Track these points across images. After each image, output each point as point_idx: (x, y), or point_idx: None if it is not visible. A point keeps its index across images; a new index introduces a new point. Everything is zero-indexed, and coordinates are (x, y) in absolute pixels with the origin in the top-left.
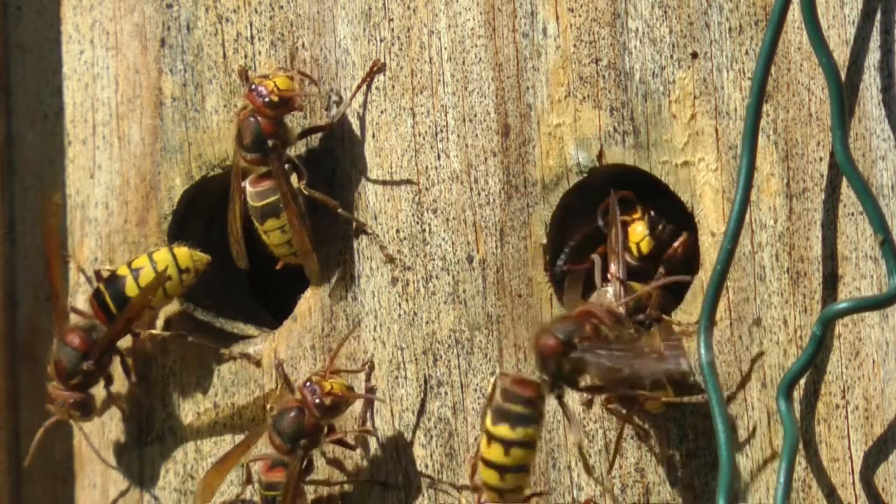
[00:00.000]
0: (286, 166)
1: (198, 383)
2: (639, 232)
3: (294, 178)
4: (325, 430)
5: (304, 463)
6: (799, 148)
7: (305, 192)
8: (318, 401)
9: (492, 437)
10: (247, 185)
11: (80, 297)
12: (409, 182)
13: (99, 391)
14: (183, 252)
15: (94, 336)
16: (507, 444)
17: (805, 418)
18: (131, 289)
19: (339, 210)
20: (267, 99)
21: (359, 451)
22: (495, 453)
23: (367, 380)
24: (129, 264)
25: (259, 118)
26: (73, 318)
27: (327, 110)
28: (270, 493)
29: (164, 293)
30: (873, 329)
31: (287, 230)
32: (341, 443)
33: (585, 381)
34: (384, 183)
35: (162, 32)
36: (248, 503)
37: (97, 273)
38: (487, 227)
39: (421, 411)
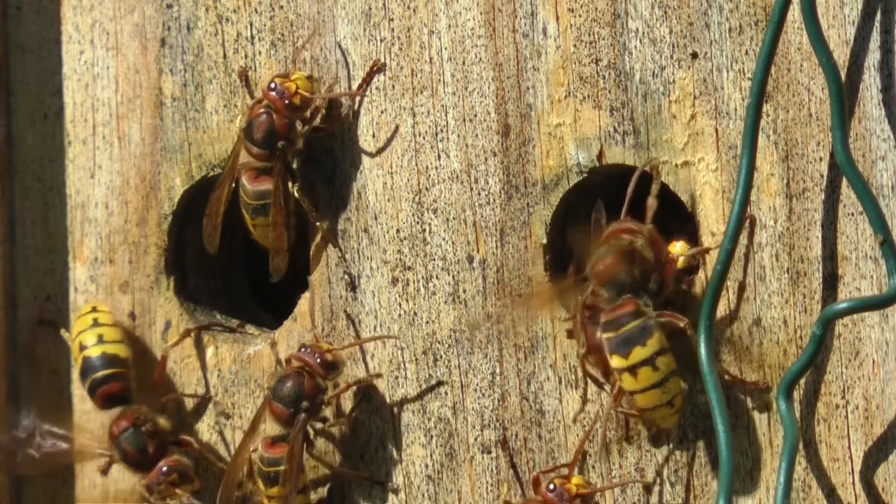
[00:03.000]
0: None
1: (198, 383)
2: (679, 248)
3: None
4: (325, 394)
5: (305, 437)
6: (799, 148)
7: (297, 194)
8: (318, 359)
9: (632, 368)
10: (243, 178)
11: (79, 299)
12: (408, 182)
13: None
14: (79, 313)
15: (129, 412)
16: (650, 362)
17: (805, 418)
18: (95, 351)
19: (319, 224)
20: (287, 101)
21: (358, 450)
22: (645, 376)
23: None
24: (74, 361)
25: (275, 117)
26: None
27: (328, 110)
28: (272, 469)
29: (111, 329)
30: (873, 329)
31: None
32: (339, 413)
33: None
34: (384, 183)
35: (162, 32)
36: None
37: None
38: (487, 227)
39: (421, 411)
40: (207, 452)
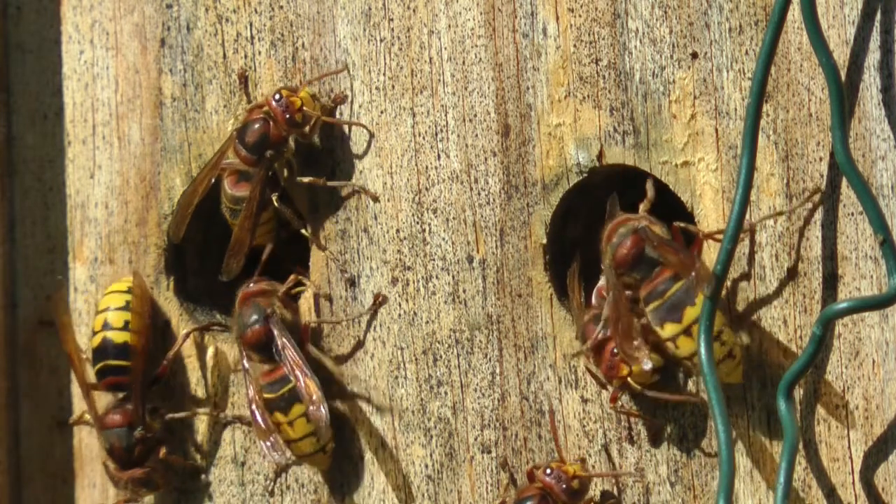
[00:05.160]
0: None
1: (198, 383)
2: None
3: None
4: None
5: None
6: (799, 148)
7: (276, 204)
8: (288, 116)
9: (687, 329)
10: (226, 181)
11: (79, 299)
12: (408, 182)
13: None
14: (113, 286)
15: (127, 406)
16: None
17: (805, 418)
18: (118, 336)
19: (303, 230)
20: (289, 115)
21: (358, 450)
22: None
23: (333, 108)
24: (93, 331)
25: (271, 126)
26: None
27: (332, 112)
28: (281, 393)
29: (138, 316)
30: (873, 329)
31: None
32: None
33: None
34: (384, 183)
35: (162, 32)
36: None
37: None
38: (487, 227)
39: (421, 411)
40: (174, 461)
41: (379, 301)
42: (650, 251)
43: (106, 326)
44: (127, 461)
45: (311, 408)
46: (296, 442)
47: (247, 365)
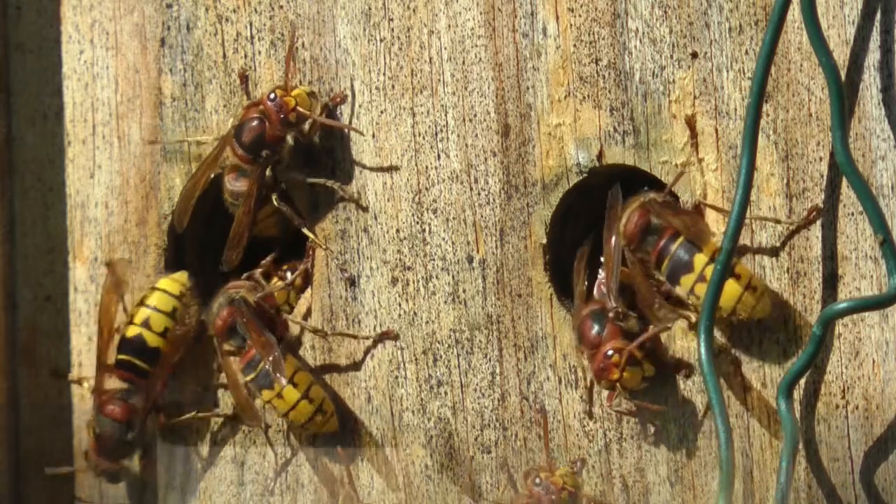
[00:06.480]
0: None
1: (197, 383)
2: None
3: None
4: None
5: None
6: (799, 148)
7: (276, 203)
8: (282, 116)
9: (702, 275)
10: (226, 176)
11: (79, 299)
12: (408, 182)
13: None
14: (166, 283)
15: (132, 402)
16: (712, 260)
17: (805, 418)
18: (153, 340)
19: (304, 229)
20: (283, 116)
21: (358, 451)
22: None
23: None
24: (130, 319)
25: (267, 126)
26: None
27: (331, 111)
28: (257, 370)
29: (182, 324)
30: (873, 329)
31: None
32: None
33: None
34: (384, 183)
35: (162, 32)
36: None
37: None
38: (487, 227)
39: (421, 411)
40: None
41: (388, 336)
42: (655, 221)
43: (145, 324)
44: (110, 452)
45: (268, 360)
46: (291, 411)
47: (225, 358)
